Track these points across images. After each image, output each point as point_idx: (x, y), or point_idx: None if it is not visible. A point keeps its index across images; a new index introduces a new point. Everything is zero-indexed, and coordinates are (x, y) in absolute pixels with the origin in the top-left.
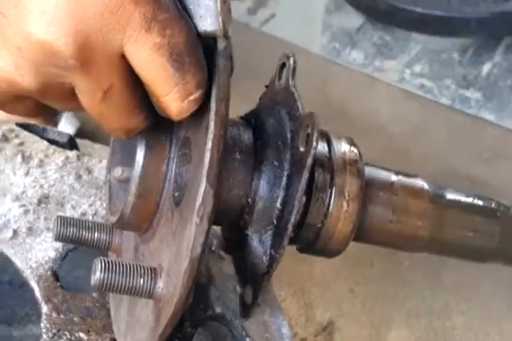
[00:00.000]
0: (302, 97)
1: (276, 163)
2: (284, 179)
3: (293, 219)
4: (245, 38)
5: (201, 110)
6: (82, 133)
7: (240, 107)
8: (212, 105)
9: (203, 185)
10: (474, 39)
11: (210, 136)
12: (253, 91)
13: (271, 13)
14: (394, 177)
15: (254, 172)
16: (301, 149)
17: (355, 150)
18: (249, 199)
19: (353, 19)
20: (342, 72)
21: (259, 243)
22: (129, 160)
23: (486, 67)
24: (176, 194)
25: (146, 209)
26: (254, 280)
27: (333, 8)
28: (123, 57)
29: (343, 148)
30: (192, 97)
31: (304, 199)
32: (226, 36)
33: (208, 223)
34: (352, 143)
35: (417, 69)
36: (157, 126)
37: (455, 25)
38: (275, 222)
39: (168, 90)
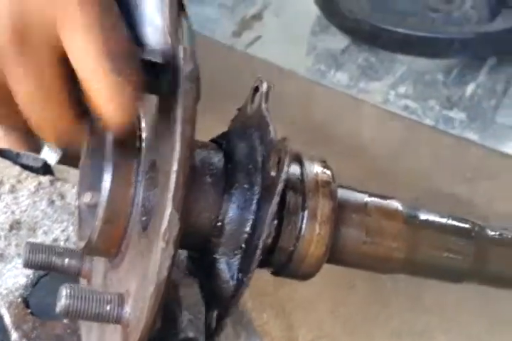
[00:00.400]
0: (286, 118)
1: (246, 186)
2: (254, 203)
3: (261, 244)
4: (230, 59)
5: (167, 133)
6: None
7: (224, 129)
8: (178, 127)
9: (169, 208)
10: (458, 60)
11: (176, 157)
12: None
13: (256, 35)
14: (367, 199)
15: (224, 195)
16: (272, 174)
17: (328, 172)
18: (218, 222)
19: (338, 41)
20: (327, 93)
21: (226, 266)
22: (98, 185)
23: (470, 88)
24: (144, 218)
25: (114, 234)
26: (220, 304)
27: (318, 30)
28: (59, 45)
29: (315, 169)
30: (125, 104)
31: (274, 223)
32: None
33: (173, 247)
34: (325, 164)
35: (402, 90)
36: (123, 150)
37: (439, 45)
38: (244, 246)
39: (103, 92)
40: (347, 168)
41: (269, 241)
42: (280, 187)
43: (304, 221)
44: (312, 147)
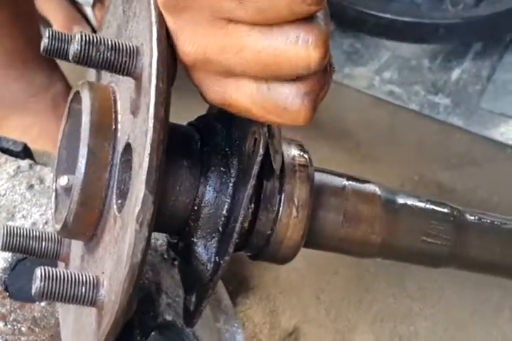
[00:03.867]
0: None
1: (223, 169)
2: (231, 186)
3: (238, 227)
4: None
5: (142, 115)
6: None
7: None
8: (151, 109)
9: (142, 191)
10: (444, 45)
11: (149, 140)
12: None
13: None
14: (345, 182)
15: (201, 178)
16: (248, 156)
17: (305, 156)
18: (195, 206)
19: None
20: None
21: (204, 249)
22: (74, 169)
23: (455, 73)
24: (119, 201)
25: (90, 217)
26: (198, 287)
27: None
28: None
29: (292, 153)
30: None
31: (252, 206)
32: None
33: (147, 230)
34: (302, 148)
35: (387, 75)
36: (99, 132)
37: (424, 31)
38: (221, 229)
39: None
40: (331, 154)
41: (246, 224)
42: (256, 169)
43: (281, 204)
44: (296, 132)
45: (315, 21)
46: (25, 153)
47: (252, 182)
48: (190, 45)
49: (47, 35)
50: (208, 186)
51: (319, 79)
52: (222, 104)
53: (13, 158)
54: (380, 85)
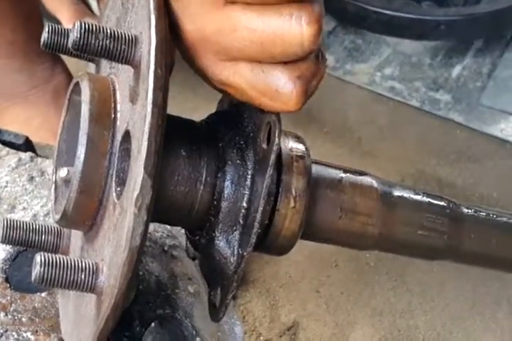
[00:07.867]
0: None
1: (239, 162)
2: (249, 178)
3: (259, 217)
4: None
5: (141, 103)
6: None
7: (213, 108)
8: (150, 95)
9: (141, 175)
10: (445, 42)
11: (147, 125)
12: None
13: None
14: (342, 175)
15: (218, 173)
16: (264, 147)
17: (302, 147)
18: (215, 201)
19: (325, 23)
20: None
21: (226, 243)
22: (74, 161)
23: (456, 70)
24: (118, 189)
25: (89, 206)
26: (222, 281)
27: None
28: None
29: (290, 144)
30: None
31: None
32: None
33: (146, 213)
34: (299, 140)
35: (388, 72)
36: (98, 121)
37: (425, 27)
38: (242, 222)
39: None
40: (332, 149)
41: (266, 215)
42: (273, 158)
43: (279, 195)
44: (298, 128)
45: (308, 0)
46: (27, 145)
47: (270, 171)
48: (191, 23)
49: (46, 29)
50: (226, 181)
51: (311, 65)
52: (222, 85)
53: (14, 151)
54: (381, 81)
